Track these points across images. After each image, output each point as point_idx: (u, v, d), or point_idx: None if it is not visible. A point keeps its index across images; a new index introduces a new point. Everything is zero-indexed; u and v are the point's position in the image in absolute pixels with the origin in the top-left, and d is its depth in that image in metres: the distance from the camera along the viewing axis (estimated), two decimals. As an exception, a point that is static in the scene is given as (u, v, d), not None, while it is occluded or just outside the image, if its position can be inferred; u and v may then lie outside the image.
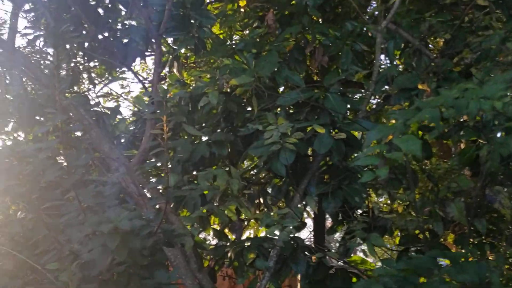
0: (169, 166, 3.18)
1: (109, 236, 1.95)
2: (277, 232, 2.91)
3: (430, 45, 5.03)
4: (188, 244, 2.78)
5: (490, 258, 3.13)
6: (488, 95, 1.91)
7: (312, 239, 4.80)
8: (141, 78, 5.41)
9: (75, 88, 5.22)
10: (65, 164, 2.30)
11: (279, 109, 3.95)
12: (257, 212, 4.18)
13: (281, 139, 3.10)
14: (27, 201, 2.16)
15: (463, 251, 2.81)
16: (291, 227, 2.84)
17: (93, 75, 5.24)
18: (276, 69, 3.91)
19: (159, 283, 2.25)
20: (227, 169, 3.53)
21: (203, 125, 4.40)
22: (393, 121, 2.34)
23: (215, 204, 3.54)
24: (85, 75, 5.09)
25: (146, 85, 4.71)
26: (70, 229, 2.13)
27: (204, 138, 4.18)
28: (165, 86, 4.67)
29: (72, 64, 4.64)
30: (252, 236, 5.07)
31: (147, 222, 2.21)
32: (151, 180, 4.20)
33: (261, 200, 4.23)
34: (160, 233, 2.36)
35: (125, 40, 4.52)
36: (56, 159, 2.75)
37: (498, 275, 2.04)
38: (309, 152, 4.02)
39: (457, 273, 2.01)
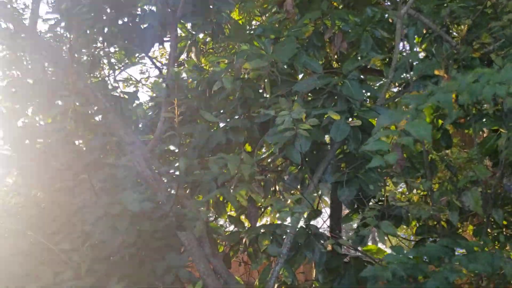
0: (185, 150, 3.19)
1: (118, 218, 1.97)
2: (288, 218, 2.90)
3: (454, 33, 4.91)
4: (198, 228, 2.79)
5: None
6: (504, 80, 1.85)
7: (329, 227, 4.77)
8: (158, 63, 5.42)
9: (96, 73, 5.26)
10: (80, 146, 2.32)
11: (296, 96, 3.92)
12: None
13: (294, 125, 3.07)
14: (39, 181, 2.19)
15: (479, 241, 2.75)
16: (301, 213, 2.82)
17: (112, 60, 5.28)
18: (294, 55, 3.88)
19: (170, 266, 2.28)
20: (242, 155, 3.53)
21: (221, 111, 4.40)
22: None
23: (230, 189, 3.55)
24: (105, 61, 5.12)
25: (164, 70, 4.72)
26: (83, 210, 2.17)
27: (222, 125, 4.18)
28: (183, 72, 4.68)
29: (92, 50, 4.68)
30: (268, 223, 5.08)
31: (158, 205, 2.23)
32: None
33: (277, 188, 4.22)
34: (173, 216, 2.37)
35: (144, 26, 4.54)
36: (70, 141, 2.79)
37: (512, 266, 1.99)
38: (328, 140, 3.99)
39: (468, 262, 1.96)
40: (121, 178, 2.34)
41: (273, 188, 4.29)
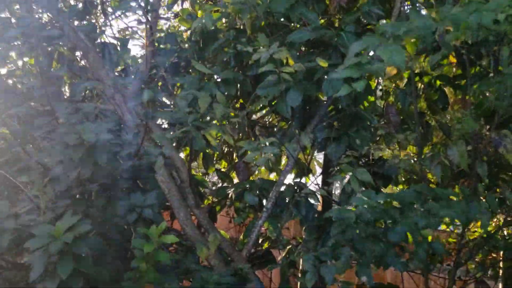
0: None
1: (73, 148, 1.89)
2: (255, 158, 2.82)
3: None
4: (158, 163, 2.68)
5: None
6: (491, 8, 1.69)
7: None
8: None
9: (92, 20, 5.12)
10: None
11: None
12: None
13: (276, 67, 2.95)
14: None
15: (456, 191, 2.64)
16: (270, 153, 2.75)
17: (109, 9, 5.12)
18: (291, 6, 3.72)
19: (133, 205, 2.21)
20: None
21: (216, 64, 4.27)
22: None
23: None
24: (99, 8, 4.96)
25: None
26: (42, 141, 2.09)
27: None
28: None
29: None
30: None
31: (125, 143, 2.15)
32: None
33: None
34: (143, 158, 2.29)
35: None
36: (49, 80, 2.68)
37: (488, 217, 1.89)
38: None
39: (440, 209, 1.86)
40: (85, 112, 2.25)
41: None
